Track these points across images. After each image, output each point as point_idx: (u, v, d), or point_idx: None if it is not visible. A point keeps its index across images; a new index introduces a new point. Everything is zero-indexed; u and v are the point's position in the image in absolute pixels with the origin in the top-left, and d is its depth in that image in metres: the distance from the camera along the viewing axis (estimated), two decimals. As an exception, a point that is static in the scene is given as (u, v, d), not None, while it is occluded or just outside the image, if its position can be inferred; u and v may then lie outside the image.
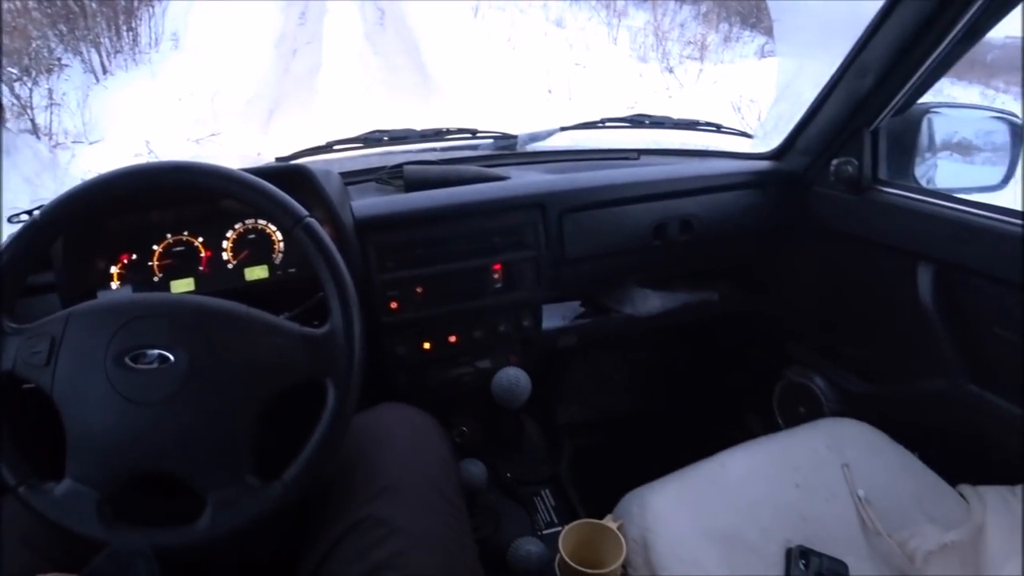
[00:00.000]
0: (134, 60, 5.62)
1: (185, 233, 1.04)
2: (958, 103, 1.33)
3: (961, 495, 1.02)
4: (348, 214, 1.07)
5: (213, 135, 4.67)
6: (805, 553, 0.92)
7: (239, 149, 4.34)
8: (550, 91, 5.83)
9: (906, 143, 1.24)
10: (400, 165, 1.22)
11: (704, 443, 1.14)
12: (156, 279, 1.02)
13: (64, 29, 5.15)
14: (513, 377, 1.13)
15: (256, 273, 1.05)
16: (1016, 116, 1.25)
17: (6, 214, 1.01)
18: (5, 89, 4.26)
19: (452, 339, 1.21)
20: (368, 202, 1.12)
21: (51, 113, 4.43)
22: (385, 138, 1.29)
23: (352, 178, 1.25)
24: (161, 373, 0.68)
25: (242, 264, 1.05)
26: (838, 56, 1.17)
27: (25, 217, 0.98)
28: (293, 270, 1.07)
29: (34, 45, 4.76)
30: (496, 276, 1.18)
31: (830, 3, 1.39)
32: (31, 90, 4.43)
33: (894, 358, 1.29)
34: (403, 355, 1.18)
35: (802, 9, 1.56)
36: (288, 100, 5.29)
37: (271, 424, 0.87)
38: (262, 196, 0.76)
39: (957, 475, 1.05)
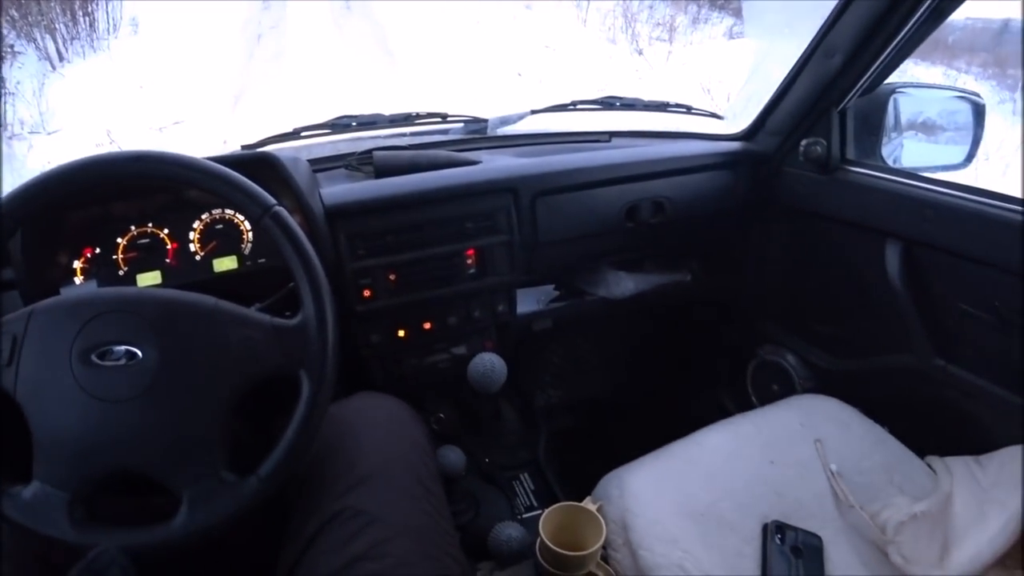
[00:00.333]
0: (92, 47, 5.45)
1: (150, 225, 1.01)
2: (923, 83, 1.34)
3: (929, 466, 1.05)
4: (317, 202, 1.05)
5: (177, 123, 4.56)
6: (781, 528, 0.94)
7: (204, 137, 4.25)
8: (520, 74, 5.80)
9: (873, 123, 1.25)
10: (369, 151, 1.20)
11: (680, 422, 1.16)
12: (121, 273, 0.99)
13: (16, 15, 4.97)
14: (489, 362, 1.13)
15: (225, 264, 1.03)
16: (978, 96, 1.27)
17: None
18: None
19: (427, 326, 1.20)
20: (338, 189, 1.10)
21: (5, 103, 4.29)
22: (353, 124, 1.27)
23: (321, 165, 1.23)
24: (129, 370, 0.67)
25: (210, 255, 1.03)
26: (806, 37, 1.18)
27: (-21, 212, 0.95)
28: (263, 260, 1.05)
29: (-17, 32, 4.60)
30: (469, 262, 1.17)
31: (797, -16, 1.40)
32: (-18, 79, 4.28)
33: (863, 335, 1.31)
34: (378, 343, 1.17)
35: (769, -10, 1.56)
36: (254, 86, 5.19)
37: (245, 418, 0.86)
38: (228, 185, 0.74)
39: (925, 447, 1.08)
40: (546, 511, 0.96)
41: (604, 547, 0.94)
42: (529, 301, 1.36)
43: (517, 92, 5.33)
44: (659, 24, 6.78)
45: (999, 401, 1.04)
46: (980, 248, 1.01)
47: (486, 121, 1.38)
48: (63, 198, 0.73)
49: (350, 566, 0.69)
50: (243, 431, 0.93)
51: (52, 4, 5.20)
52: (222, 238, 1.04)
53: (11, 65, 4.68)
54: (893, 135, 1.28)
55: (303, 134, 1.24)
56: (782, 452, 1.05)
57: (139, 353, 0.67)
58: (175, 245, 1.02)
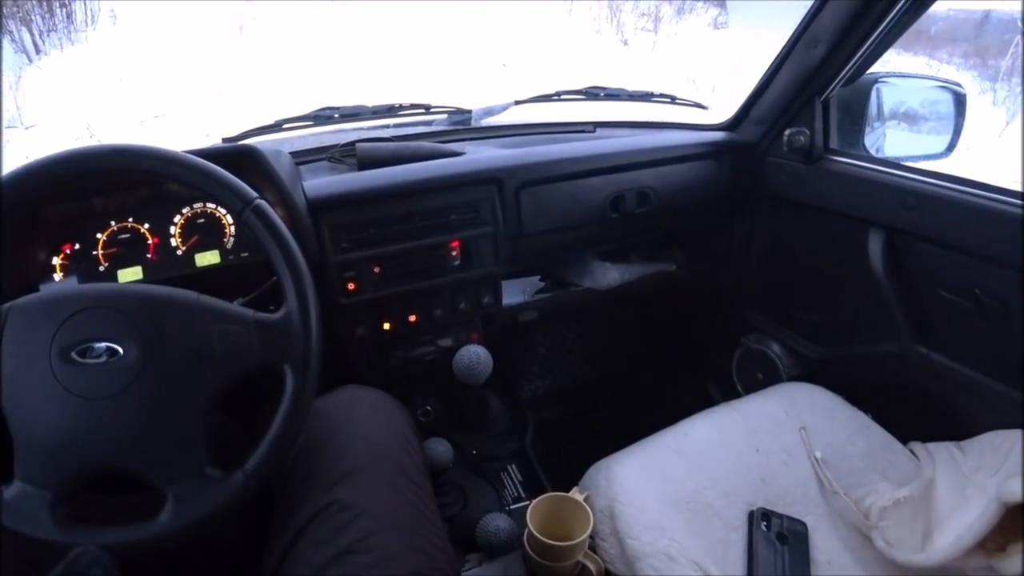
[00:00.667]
0: (69, 39, 5.36)
1: (130, 220, 1.00)
2: (906, 73, 1.35)
3: (912, 452, 1.06)
4: (300, 194, 1.04)
5: (158, 116, 4.50)
6: (766, 515, 0.95)
7: (186, 130, 4.20)
8: (505, 64, 5.77)
9: (856, 113, 1.26)
10: (352, 143, 1.19)
11: (666, 412, 1.16)
12: (102, 269, 0.98)
13: (-10, 7, 4.88)
14: (474, 354, 1.13)
15: (207, 259, 1.02)
16: (960, 86, 1.28)
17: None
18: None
19: (412, 318, 1.20)
20: (320, 182, 1.09)
21: (-21, 97, 4.21)
22: (336, 115, 1.25)
23: (303, 157, 1.22)
24: (110, 367, 0.66)
25: (192, 250, 1.02)
26: (789, 27, 1.18)
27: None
28: (246, 254, 1.04)
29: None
30: (454, 253, 1.17)
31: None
32: (-44, 73, 4.20)
33: (847, 323, 1.32)
34: (363, 336, 1.17)
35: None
36: (235, 78, 5.12)
37: (229, 413, 0.85)
38: (207, 179, 0.73)
39: (908, 433, 1.09)
40: (533, 502, 0.96)
41: (592, 537, 0.94)
42: (515, 292, 1.36)
43: (501, 83, 5.31)
44: (644, 14, 6.77)
45: (979, 387, 1.05)
46: (961, 236, 1.02)
47: (470, 112, 1.38)
48: (40, 193, 0.72)
49: (337, 560, 0.69)
50: (227, 426, 0.93)
51: (28, -5, 5.11)
52: (204, 232, 1.03)
53: (-14, 58, 4.59)
54: (876, 124, 1.29)
55: (285, 126, 1.23)
56: (767, 440, 1.06)
57: (120, 350, 0.66)
58: (156, 240, 1.01)
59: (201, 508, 0.67)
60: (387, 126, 1.35)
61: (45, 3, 5.20)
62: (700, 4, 7.03)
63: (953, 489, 0.94)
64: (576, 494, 0.99)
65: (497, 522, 1.03)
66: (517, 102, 1.39)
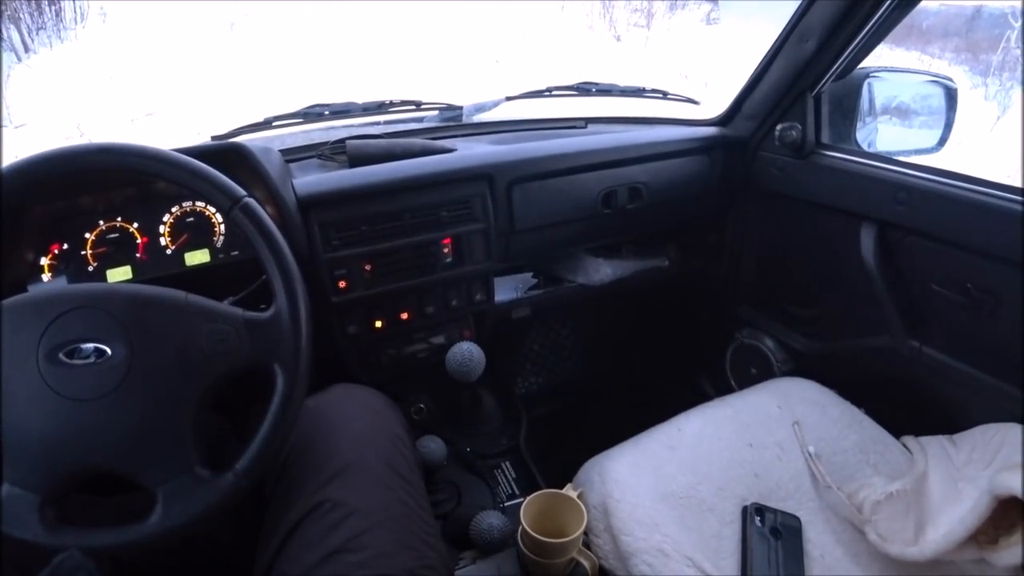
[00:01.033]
0: (59, 37, 5.33)
1: (119, 219, 0.99)
2: (897, 68, 1.35)
3: (904, 446, 1.06)
4: (290, 192, 1.03)
5: (149, 114, 4.47)
6: (760, 510, 0.95)
7: (177, 128, 4.17)
8: (497, 61, 5.76)
9: (848, 107, 1.26)
10: (343, 140, 1.18)
11: (659, 407, 1.16)
12: (91, 269, 0.97)
13: (-23, 5, 4.85)
14: (467, 352, 1.12)
15: (197, 258, 1.01)
16: (951, 80, 1.28)
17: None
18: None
19: (404, 316, 1.19)
20: (310, 179, 1.08)
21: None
22: (326, 112, 1.24)
23: (293, 155, 1.21)
24: (98, 368, 0.65)
25: (181, 249, 1.01)
26: (780, 21, 1.18)
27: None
28: (236, 253, 1.03)
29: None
30: (446, 250, 1.16)
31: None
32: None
33: (839, 317, 1.32)
34: (355, 334, 1.16)
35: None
36: (225, 75, 5.10)
37: (219, 412, 0.84)
38: (195, 177, 0.73)
39: (900, 427, 1.09)
40: (527, 499, 0.96)
41: (585, 533, 0.94)
42: (507, 289, 1.36)
43: (493, 79, 5.30)
44: (637, 10, 6.77)
45: (971, 381, 1.05)
46: (953, 230, 1.03)
47: (461, 108, 1.37)
48: (27, 192, 0.71)
49: (329, 559, 0.69)
50: (218, 426, 0.92)
51: (15, -8, 5.07)
52: (193, 231, 1.02)
53: (-27, 57, 4.56)
54: (868, 119, 1.29)
55: (275, 124, 1.22)
56: (760, 435, 1.06)
57: (108, 350, 0.66)
58: (145, 239, 1.00)
59: (192, 508, 0.66)
60: (377, 123, 1.34)
61: (34, 1, 5.16)
62: (692, 0, 7.04)
63: (945, 482, 0.94)
64: (570, 491, 0.99)
65: (491, 520, 1.03)
66: (508, 98, 1.38)
